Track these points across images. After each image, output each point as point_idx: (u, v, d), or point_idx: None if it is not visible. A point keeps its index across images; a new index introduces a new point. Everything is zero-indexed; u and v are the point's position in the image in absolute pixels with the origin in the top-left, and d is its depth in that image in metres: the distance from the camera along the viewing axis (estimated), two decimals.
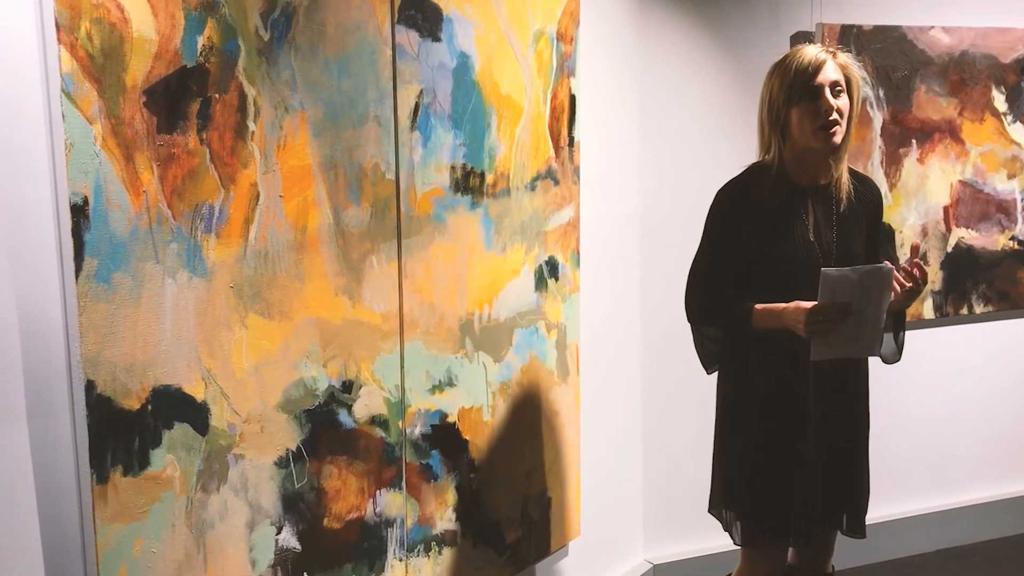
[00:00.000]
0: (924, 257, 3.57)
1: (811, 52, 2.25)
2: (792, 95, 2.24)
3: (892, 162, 3.50)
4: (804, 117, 2.23)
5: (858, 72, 2.32)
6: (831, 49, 2.29)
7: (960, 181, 3.62)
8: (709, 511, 2.49)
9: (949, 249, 3.63)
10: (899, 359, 2.44)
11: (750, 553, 2.43)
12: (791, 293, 2.23)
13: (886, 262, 2.20)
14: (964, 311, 3.69)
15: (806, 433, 2.31)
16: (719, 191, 2.37)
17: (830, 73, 2.23)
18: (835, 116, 2.22)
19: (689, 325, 2.48)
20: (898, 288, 2.25)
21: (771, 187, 2.29)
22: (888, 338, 2.40)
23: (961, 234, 3.65)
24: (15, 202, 1.55)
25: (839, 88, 2.25)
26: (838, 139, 2.25)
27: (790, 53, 2.29)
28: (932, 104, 3.55)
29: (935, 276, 3.62)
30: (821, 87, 2.22)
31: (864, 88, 3.38)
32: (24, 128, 1.55)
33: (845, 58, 2.29)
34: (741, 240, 2.30)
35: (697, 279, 2.39)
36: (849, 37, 3.35)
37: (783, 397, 2.32)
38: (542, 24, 2.55)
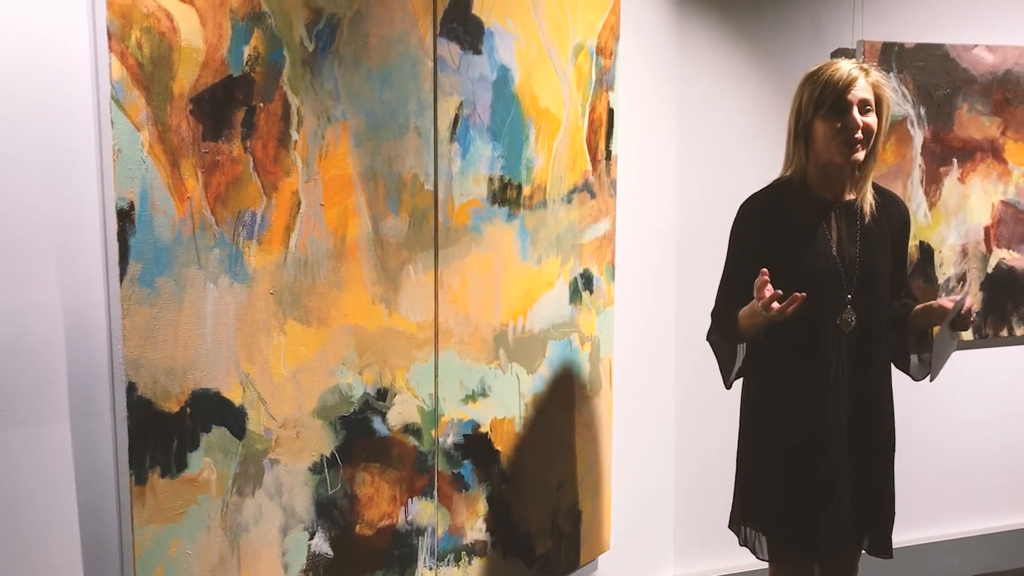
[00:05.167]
0: (964, 277, 3.53)
1: (844, 67, 2.24)
2: (819, 107, 2.24)
3: (932, 181, 3.46)
4: (828, 130, 2.23)
5: (889, 92, 2.32)
6: (865, 66, 2.28)
7: (1002, 201, 3.57)
8: (729, 527, 2.49)
9: (989, 270, 3.58)
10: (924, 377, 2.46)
11: (776, 569, 2.43)
12: (813, 308, 2.20)
13: None
14: (1004, 333, 3.63)
15: (830, 449, 2.30)
16: (741, 206, 2.38)
17: (860, 91, 2.23)
18: (860, 134, 2.22)
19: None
20: (948, 306, 2.27)
21: (795, 201, 2.29)
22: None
23: (1002, 255, 3.60)
24: (63, 206, 1.58)
25: (868, 107, 2.24)
26: (859, 156, 2.24)
27: (824, 65, 2.28)
28: (974, 123, 3.50)
29: (975, 297, 3.57)
30: (849, 104, 2.21)
31: (904, 106, 3.36)
32: (74, 133, 1.59)
33: (878, 76, 2.28)
34: (764, 255, 2.28)
35: (721, 297, 2.40)
36: (891, 55, 3.33)
37: (807, 413, 2.30)
38: (582, 38, 2.56)
